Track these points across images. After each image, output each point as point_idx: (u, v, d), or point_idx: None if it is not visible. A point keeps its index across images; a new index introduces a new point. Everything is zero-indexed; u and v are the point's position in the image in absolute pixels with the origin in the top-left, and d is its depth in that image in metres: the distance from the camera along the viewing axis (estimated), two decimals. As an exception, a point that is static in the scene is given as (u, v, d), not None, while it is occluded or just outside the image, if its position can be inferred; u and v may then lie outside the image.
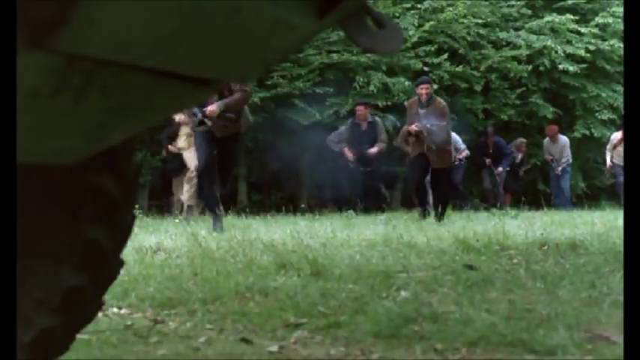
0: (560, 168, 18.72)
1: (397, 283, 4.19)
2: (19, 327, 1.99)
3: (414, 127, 12.58)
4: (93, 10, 1.35)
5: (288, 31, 1.73)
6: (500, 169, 17.73)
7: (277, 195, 18.42)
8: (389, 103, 17.40)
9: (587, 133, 19.95)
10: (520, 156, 19.52)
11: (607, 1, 21.31)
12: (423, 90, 12.57)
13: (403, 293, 3.90)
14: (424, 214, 12.63)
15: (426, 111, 12.56)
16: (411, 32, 18.03)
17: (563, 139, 19.12)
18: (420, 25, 18.49)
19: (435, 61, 18.05)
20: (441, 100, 13.47)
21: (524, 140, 19.75)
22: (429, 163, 12.56)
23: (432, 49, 18.46)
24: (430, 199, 13.87)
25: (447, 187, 13.06)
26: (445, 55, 18.12)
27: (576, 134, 19.79)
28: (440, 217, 12.03)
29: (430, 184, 13.68)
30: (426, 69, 18.01)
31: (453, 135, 14.41)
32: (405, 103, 14.08)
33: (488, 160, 17.42)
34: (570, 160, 19.18)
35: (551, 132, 18.87)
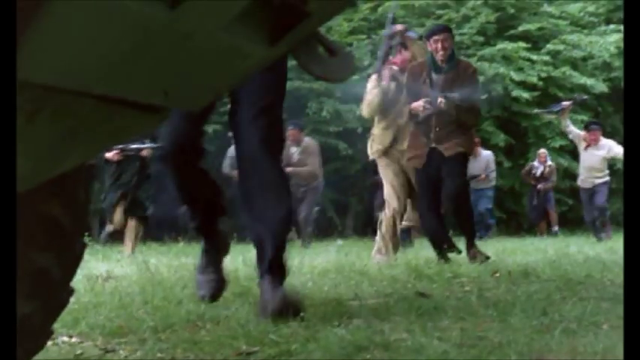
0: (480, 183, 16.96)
1: (349, 311, 4.18)
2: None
3: (421, 104, 7.60)
4: (41, 38, 1.34)
5: (240, 58, 1.73)
6: None
7: (230, 222, 18.33)
8: (341, 129, 17.52)
9: (542, 161, 20.14)
10: (541, 169, 18.26)
11: (558, 29, 21.67)
12: (439, 43, 7.62)
13: (355, 321, 3.88)
14: (448, 251, 8.12)
15: (445, 77, 7.68)
16: (366, 62, 18.18)
17: (487, 154, 17.75)
18: (374, 53, 18.66)
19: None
20: (468, 62, 8.88)
21: (544, 151, 18.70)
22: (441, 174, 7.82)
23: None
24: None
25: (462, 184, 8.21)
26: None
27: (530, 162, 19.96)
28: (470, 248, 8.16)
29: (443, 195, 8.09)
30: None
31: None
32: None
33: None
34: (493, 181, 17.51)
35: None
